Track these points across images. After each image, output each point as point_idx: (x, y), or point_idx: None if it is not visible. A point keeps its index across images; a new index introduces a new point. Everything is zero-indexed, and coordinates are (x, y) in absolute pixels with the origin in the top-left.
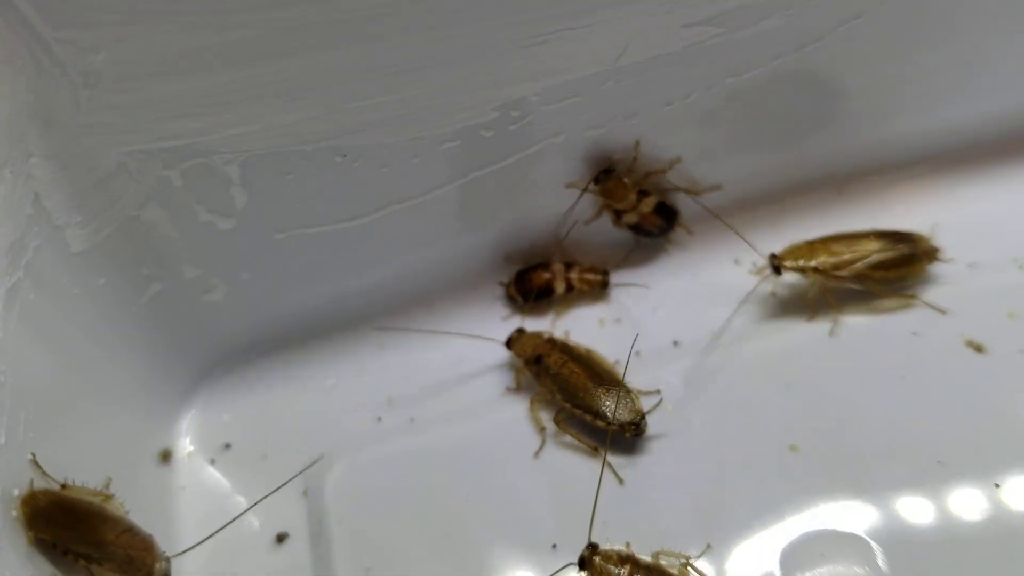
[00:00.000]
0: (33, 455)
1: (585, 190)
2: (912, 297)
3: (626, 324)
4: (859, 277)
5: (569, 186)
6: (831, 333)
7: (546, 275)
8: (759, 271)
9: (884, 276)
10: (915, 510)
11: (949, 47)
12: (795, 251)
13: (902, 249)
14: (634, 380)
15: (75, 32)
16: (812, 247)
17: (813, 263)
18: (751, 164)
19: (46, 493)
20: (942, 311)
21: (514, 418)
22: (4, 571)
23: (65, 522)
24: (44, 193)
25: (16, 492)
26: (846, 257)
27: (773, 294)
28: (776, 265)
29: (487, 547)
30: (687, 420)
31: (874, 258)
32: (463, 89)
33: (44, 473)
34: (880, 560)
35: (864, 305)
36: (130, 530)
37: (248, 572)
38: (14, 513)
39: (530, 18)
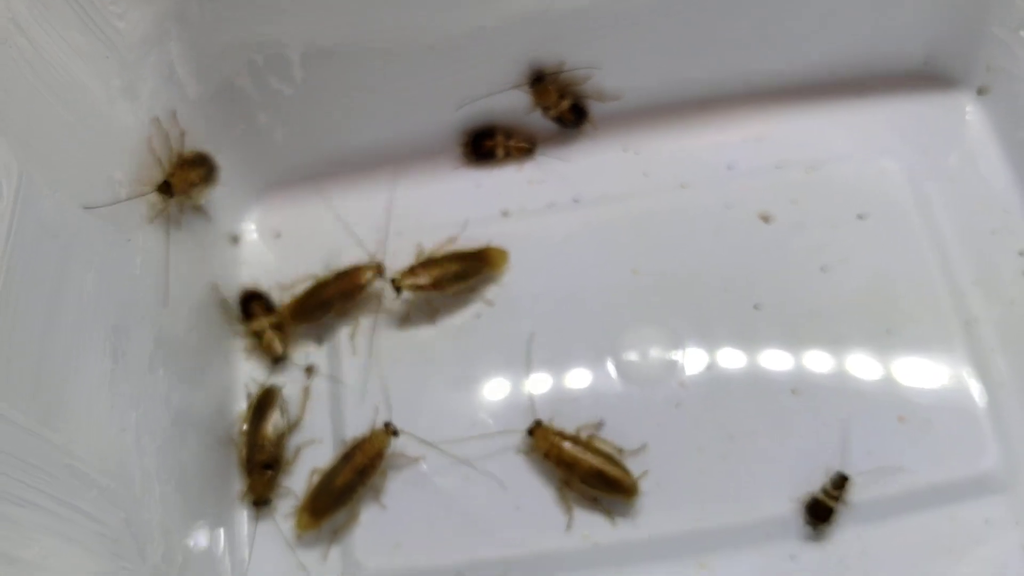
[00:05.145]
0: None
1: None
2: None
3: (547, 184)
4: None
5: (513, 87)
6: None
7: (491, 142)
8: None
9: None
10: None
11: None
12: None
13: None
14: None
15: None
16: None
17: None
18: (648, 79)
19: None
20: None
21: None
22: None
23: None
24: (176, 63)
25: None
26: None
27: (645, 174)
28: (392, 281)
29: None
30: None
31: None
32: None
33: None
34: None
35: None
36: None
37: None
38: None
39: None
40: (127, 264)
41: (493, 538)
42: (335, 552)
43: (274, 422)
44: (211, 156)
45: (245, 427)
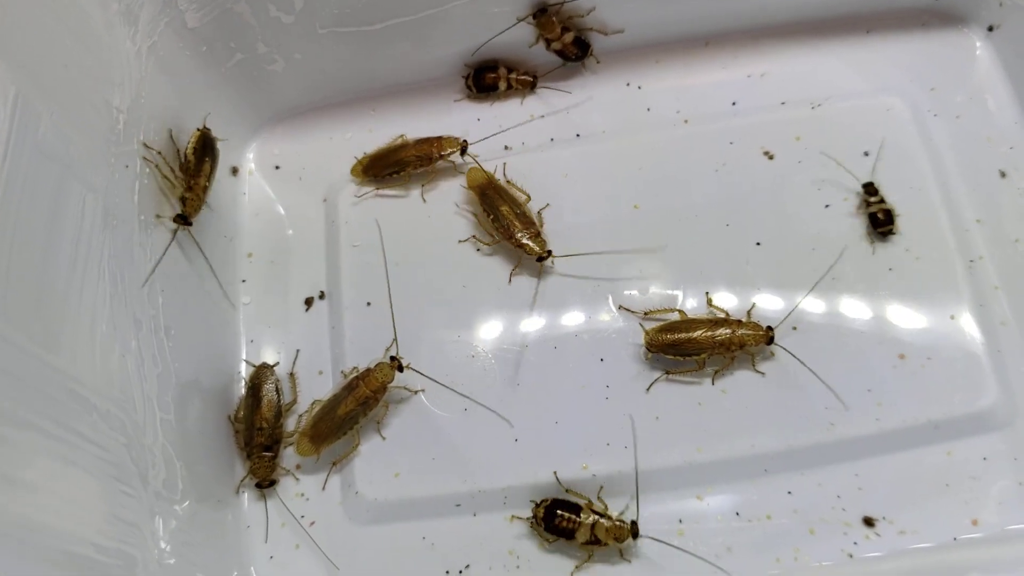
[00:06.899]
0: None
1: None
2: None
3: (548, 119)
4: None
5: (519, 19)
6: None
7: (494, 75)
8: None
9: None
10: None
11: None
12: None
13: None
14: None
15: None
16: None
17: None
18: (651, 13)
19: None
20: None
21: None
22: None
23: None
24: None
25: None
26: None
27: (648, 110)
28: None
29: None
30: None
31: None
32: None
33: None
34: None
35: None
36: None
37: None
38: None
39: None
40: (126, 189)
41: (492, 469)
42: (334, 481)
43: (270, 401)
44: (207, 132)
45: (241, 412)
